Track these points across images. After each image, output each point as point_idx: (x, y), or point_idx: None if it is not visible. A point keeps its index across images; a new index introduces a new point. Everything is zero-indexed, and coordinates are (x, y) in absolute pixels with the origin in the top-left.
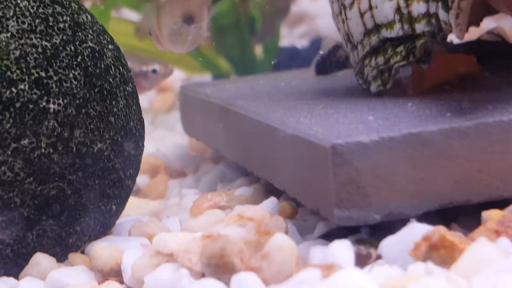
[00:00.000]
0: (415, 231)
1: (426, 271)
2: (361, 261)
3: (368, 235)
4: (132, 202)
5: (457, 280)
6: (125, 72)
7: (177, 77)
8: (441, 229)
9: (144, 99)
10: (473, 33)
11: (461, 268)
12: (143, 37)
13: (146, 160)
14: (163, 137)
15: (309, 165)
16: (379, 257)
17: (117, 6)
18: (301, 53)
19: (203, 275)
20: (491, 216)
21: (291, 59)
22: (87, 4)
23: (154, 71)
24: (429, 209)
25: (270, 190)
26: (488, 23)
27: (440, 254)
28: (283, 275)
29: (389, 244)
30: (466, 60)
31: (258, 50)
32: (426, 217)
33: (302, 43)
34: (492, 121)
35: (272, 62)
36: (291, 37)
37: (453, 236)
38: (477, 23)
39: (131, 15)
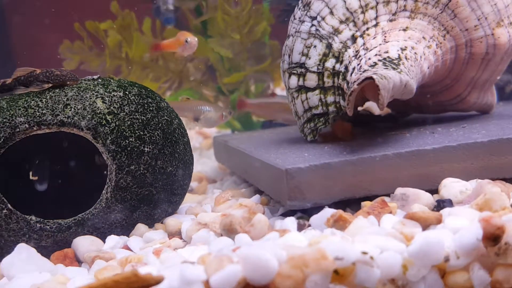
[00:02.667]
0: (327, 212)
1: (332, 233)
2: (300, 228)
3: (304, 214)
4: (188, 196)
5: (346, 238)
6: (183, 131)
7: (213, 131)
8: (340, 211)
9: (197, 142)
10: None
11: (349, 232)
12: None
13: (196, 174)
14: (205, 162)
15: (275, 178)
16: (309, 225)
17: (183, 96)
18: None
19: (221, 235)
20: (365, 204)
21: (271, 121)
22: (168, 94)
23: None
24: (335, 201)
25: (257, 190)
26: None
27: (339, 224)
28: (260, 235)
29: (315, 219)
30: (346, 126)
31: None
32: (334, 205)
33: None
34: (366, 156)
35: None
36: None
37: (346, 215)
38: (362, 105)
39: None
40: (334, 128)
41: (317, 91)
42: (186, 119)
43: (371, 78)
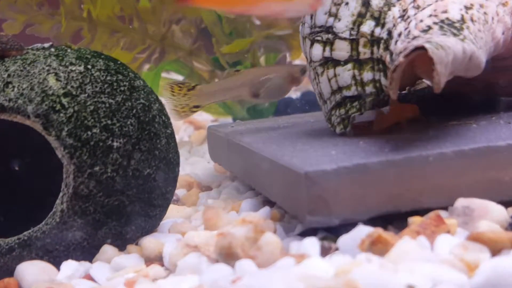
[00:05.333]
0: (362, 231)
1: (367, 259)
2: (324, 251)
3: (330, 233)
4: (173, 208)
5: (386, 266)
6: (166, 120)
7: (208, 118)
8: (379, 230)
9: (185, 135)
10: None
11: (391, 257)
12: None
13: (184, 178)
14: (197, 162)
15: (291, 184)
16: (337, 249)
17: (166, 70)
18: (294, 102)
19: (217, 261)
20: (414, 221)
21: (288, 106)
22: (145, 68)
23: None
24: (372, 216)
25: (266, 201)
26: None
27: (378, 248)
28: (270, 261)
29: (344, 240)
30: (411, 108)
31: None
32: (371, 222)
33: (296, 95)
34: (415, 155)
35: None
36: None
37: (387, 234)
38: (412, 85)
39: (177, 76)
40: (380, 115)
41: (349, 66)
42: (241, 98)
43: (423, 48)
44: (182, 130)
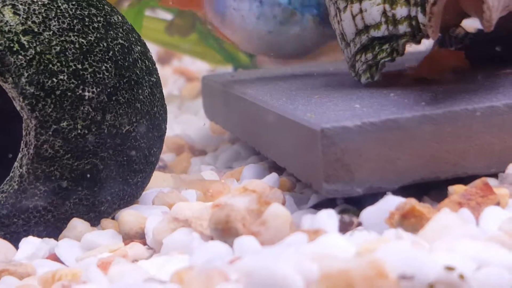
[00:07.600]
0: (391, 202)
1: (396, 236)
2: (344, 227)
3: (351, 205)
4: (159, 176)
5: (420, 244)
6: (150, 65)
7: (203, 68)
8: (412, 201)
9: (174, 88)
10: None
11: (426, 234)
12: (173, 34)
13: (172, 140)
14: (188, 120)
15: (304, 145)
16: (359, 224)
17: (151, 7)
18: None
19: (211, 238)
20: (455, 190)
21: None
22: (125, 4)
23: None
24: (404, 184)
25: (273, 166)
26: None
27: (411, 222)
28: (278, 239)
29: (368, 213)
30: (454, 55)
31: None
32: (403, 191)
33: None
34: (458, 109)
35: None
36: None
37: (422, 207)
38: (456, 25)
39: (164, 15)
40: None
41: None
42: None
43: None
44: (171, 81)
